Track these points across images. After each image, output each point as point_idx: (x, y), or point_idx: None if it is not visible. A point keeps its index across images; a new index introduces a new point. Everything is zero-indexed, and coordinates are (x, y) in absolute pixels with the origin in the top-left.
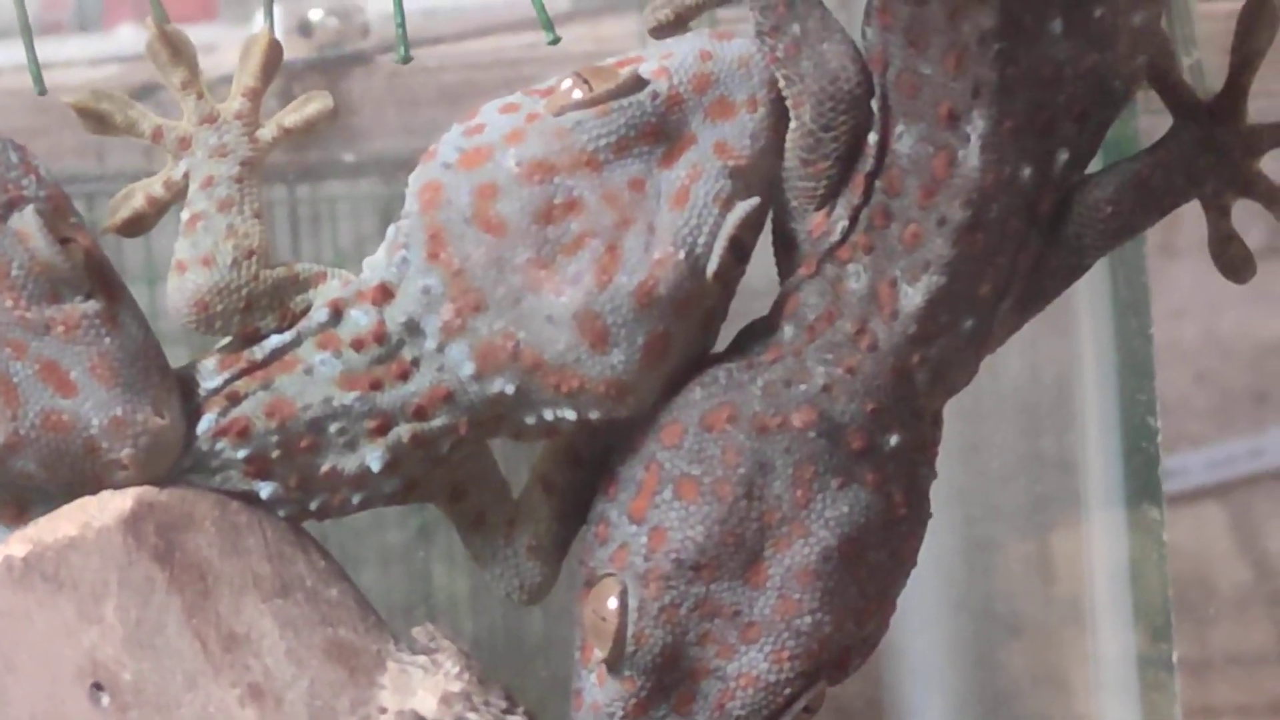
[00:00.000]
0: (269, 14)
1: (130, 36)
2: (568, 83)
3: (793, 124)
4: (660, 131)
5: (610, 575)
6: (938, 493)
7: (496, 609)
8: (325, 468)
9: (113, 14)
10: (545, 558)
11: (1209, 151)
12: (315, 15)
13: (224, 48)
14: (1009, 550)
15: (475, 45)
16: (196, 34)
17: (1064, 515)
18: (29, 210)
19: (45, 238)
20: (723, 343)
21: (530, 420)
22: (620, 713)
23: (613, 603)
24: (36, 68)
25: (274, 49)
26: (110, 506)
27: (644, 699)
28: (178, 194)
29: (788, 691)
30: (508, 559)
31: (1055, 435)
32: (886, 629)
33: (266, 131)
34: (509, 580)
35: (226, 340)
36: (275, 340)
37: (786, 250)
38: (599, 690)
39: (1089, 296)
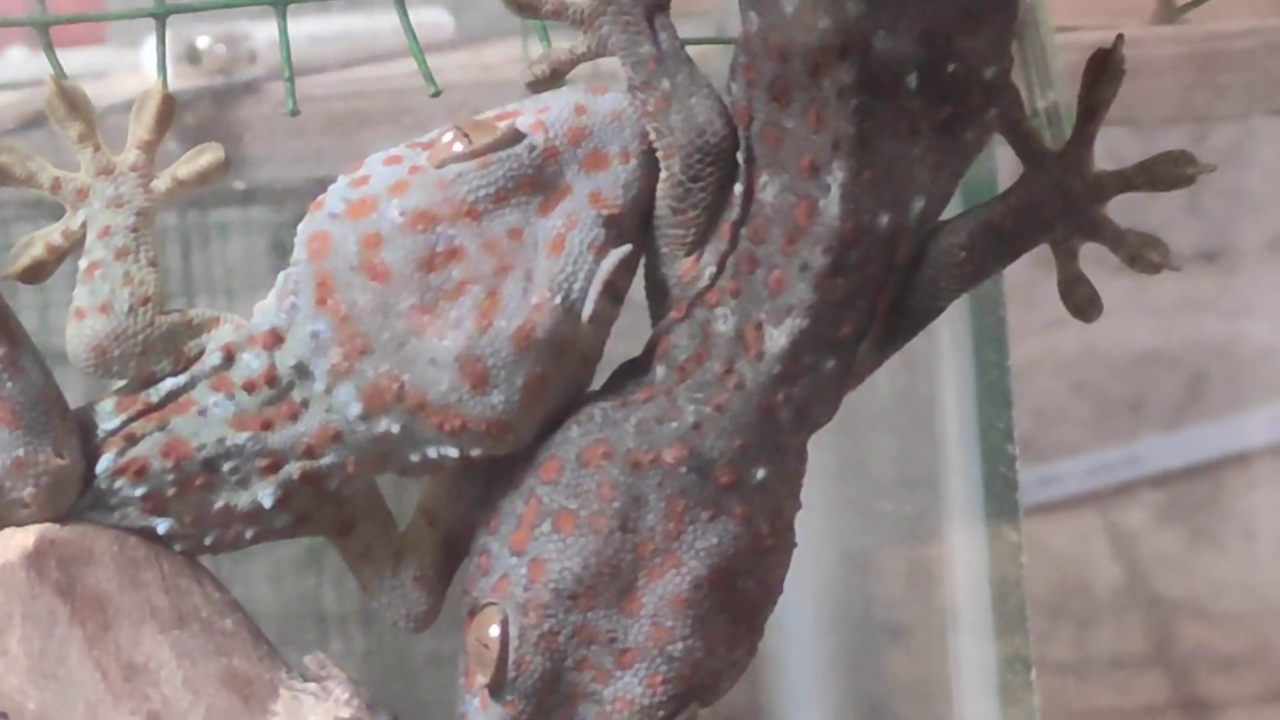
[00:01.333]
0: (161, 40)
1: (21, 61)
2: (448, 136)
3: (663, 174)
4: (537, 182)
5: (492, 604)
6: (819, 509)
7: (386, 628)
8: (219, 504)
9: (2, 38)
10: (430, 587)
11: (1058, 198)
12: (203, 43)
13: (113, 73)
14: (883, 562)
15: (361, 73)
16: (85, 58)
17: (932, 530)
18: None
19: None
20: (598, 381)
21: (415, 458)
22: None
23: (494, 630)
24: None
25: (167, 103)
26: (13, 543)
27: None
28: (75, 243)
29: (661, 714)
30: (395, 589)
31: (923, 458)
32: (755, 653)
33: (161, 182)
34: (396, 609)
35: (122, 383)
36: (170, 383)
37: (658, 294)
38: (482, 713)
39: (950, 331)
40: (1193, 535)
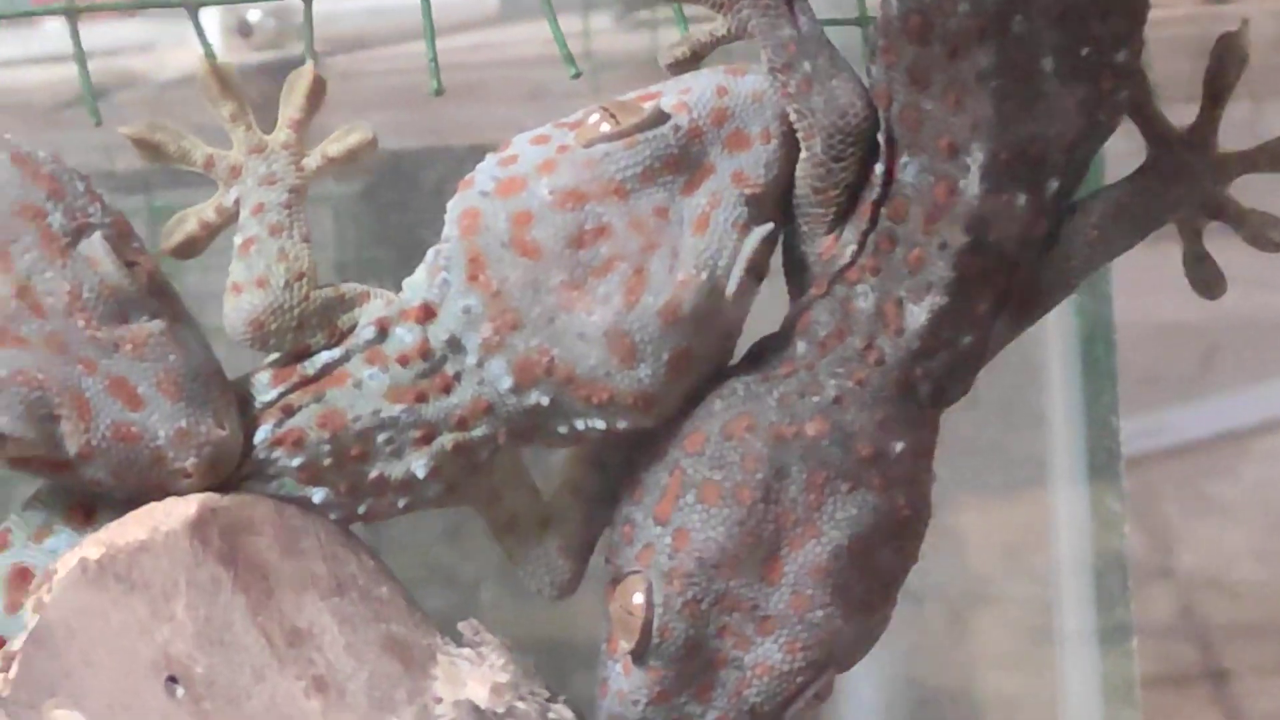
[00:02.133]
0: (198, 25)
1: (59, 35)
2: (595, 116)
3: (803, 154)
4: (682, 162)
5: (636, 573)
6: None
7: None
8: (373, 474)
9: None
10: (573, 556)
11: (1184, 178)
12: (254, 16)
13: (160, 46)
14: (984, 533)
15: (420, 47)
16: (129, 31)
17: (1035, 500)
18: (97, 236)
19: (113, 262)
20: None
21: (563, 429)
22: (645, 700)
23: (638, 598)
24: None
25: (317, 83)
26: (176, 512)
27: (667, 687)
28: (228, 219)
29: (800, 680)
30: (539, 558)
31: (1029, 430)
32: (888, 621)
33: (311, 160)
34: (540, 577)
35: (276, 356)
36: (326, 356)
37: (797, 271)
38: (624, 679)
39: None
40: (1208, 506)
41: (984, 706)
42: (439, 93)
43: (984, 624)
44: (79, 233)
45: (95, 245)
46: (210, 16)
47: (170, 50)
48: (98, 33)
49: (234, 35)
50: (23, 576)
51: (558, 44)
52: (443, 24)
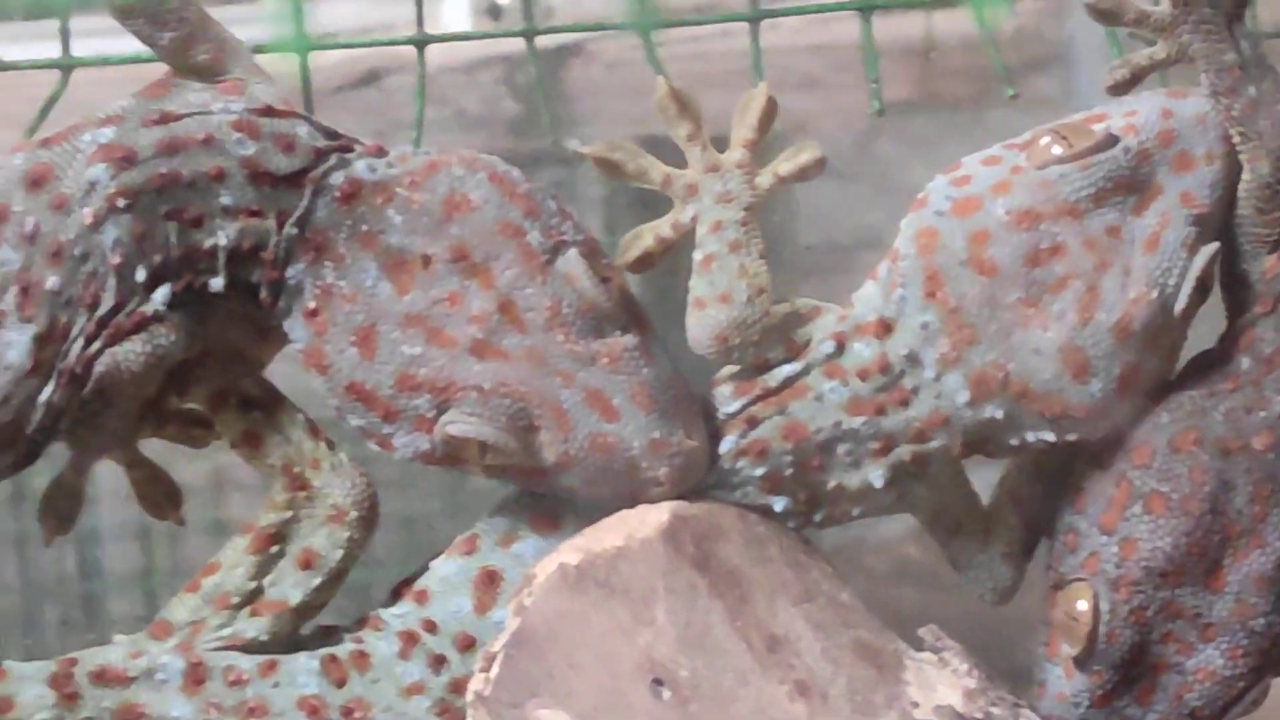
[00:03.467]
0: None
1: (353, 14)
2: (1046, 139)
3: (1246, 175)
4: (1132, 183)
5: (1080, 580)
6: None
7: None
8: (832, 484)
9: None
10: (1015, 563)
11: None
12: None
13: (396, 27)
14: None
15: (697, 33)
16: (357, 9)
17: None
18: (573, 253)
19: (590, 278)
20: None
21: (1013, 441)
22: (1086, 702)
23: (1083, 605)
24: None
25: (770, 104)
26: (649, 519)
27: (1109, 691)
28: (683, 236)
29: (1240, 685)
30: (983, 564)
31: None
32: None
33: (764, 179)
34: (984, 582)
35: (735, 369)
36: (787, 369)
37: (1238, 289)
38: (1065, 682)
39: None
40: None
41: None
42: (880, 113)
43: None
44: (555, 250)
45: (573, 262)
46: None
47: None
48: (356, 12)
49: (483, 17)
50: (491, 580)
51: (995, 64)
52: (728, 11)
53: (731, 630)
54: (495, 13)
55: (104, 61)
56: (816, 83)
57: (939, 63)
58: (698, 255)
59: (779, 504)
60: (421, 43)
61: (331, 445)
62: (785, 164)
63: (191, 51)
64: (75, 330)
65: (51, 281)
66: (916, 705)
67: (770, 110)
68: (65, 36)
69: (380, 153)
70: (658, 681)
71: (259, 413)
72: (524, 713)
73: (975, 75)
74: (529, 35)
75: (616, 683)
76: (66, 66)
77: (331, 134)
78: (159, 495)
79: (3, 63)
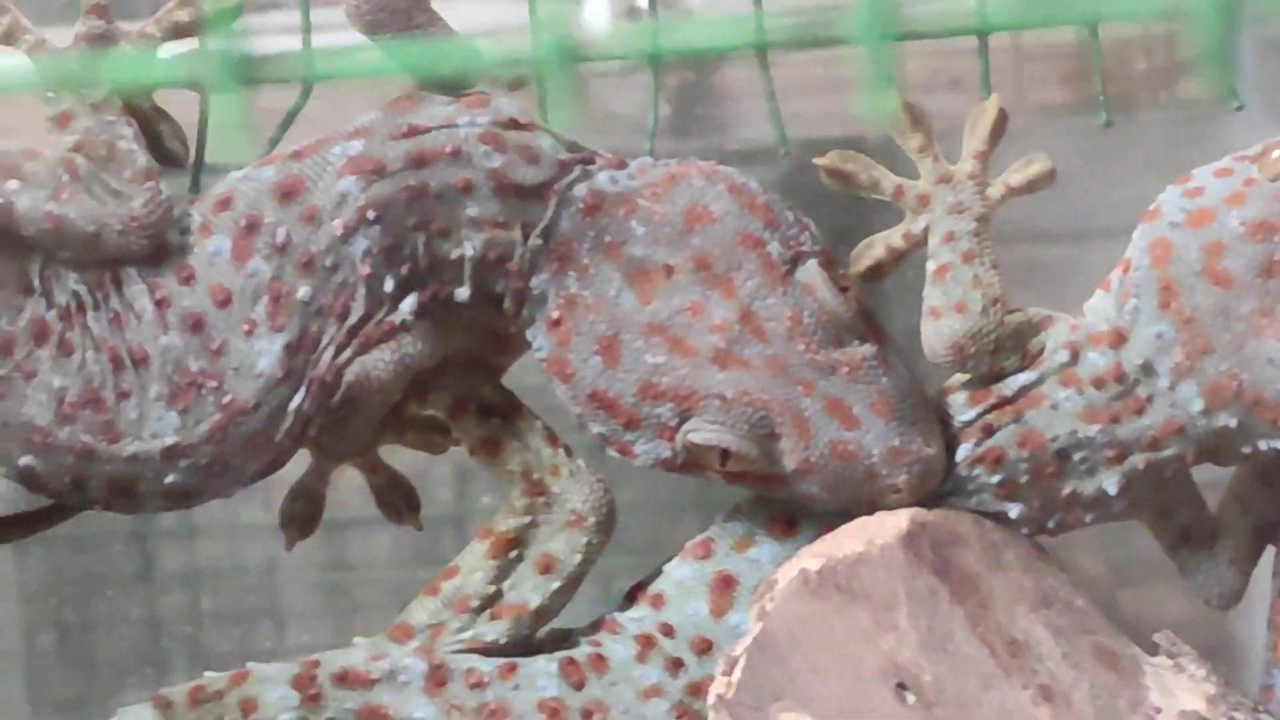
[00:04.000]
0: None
1: (477, 11)
2: (1278, 152)
3: None
4: None
5: None
6: None
7: None
8: (1066, 491)
9: None
10: (1242, 569)
11: None
12: (643, 1)
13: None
14: None
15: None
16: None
17: None
18: (812, 263)
19: (830, 288)
20: None
21: (1245, 449)
22: None
23: None
24: None
25: (1001, 116)
26: (888, 525)
27: None
28: (914, 245)
29: None
30: (1210, 570)
31: None
32: None
33: (995, 190)
34: (1210, 588)
35: (965, 377)
36: (1022, 378)
37: None
38: None
39: None
40: None
41: None
42: (1108, 124)
43: None
44: (794, 260)
45: (812, 272)
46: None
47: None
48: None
49: (621, 20)
50: (727, 584)
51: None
52: None
53: (973, 635)
54: (636, 16)
55: (346, 75)
56: (960, 84)
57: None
58: (931, 265)
59: (1014, 510)
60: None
61: (569, 451)
62: (1015, 175)
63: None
64: (325, 339)
65: (302, 291)
66: (1159, 710)
67: (1001, 122)
68: (308, 48)
69: (621, 165)
70: (901, 686)
71: (498, 419)
72: (766, 716)
73: (1124, 79)
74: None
75: (860, 686)
76: (308, 80)
77: (573, 146)
78: (398, 500)
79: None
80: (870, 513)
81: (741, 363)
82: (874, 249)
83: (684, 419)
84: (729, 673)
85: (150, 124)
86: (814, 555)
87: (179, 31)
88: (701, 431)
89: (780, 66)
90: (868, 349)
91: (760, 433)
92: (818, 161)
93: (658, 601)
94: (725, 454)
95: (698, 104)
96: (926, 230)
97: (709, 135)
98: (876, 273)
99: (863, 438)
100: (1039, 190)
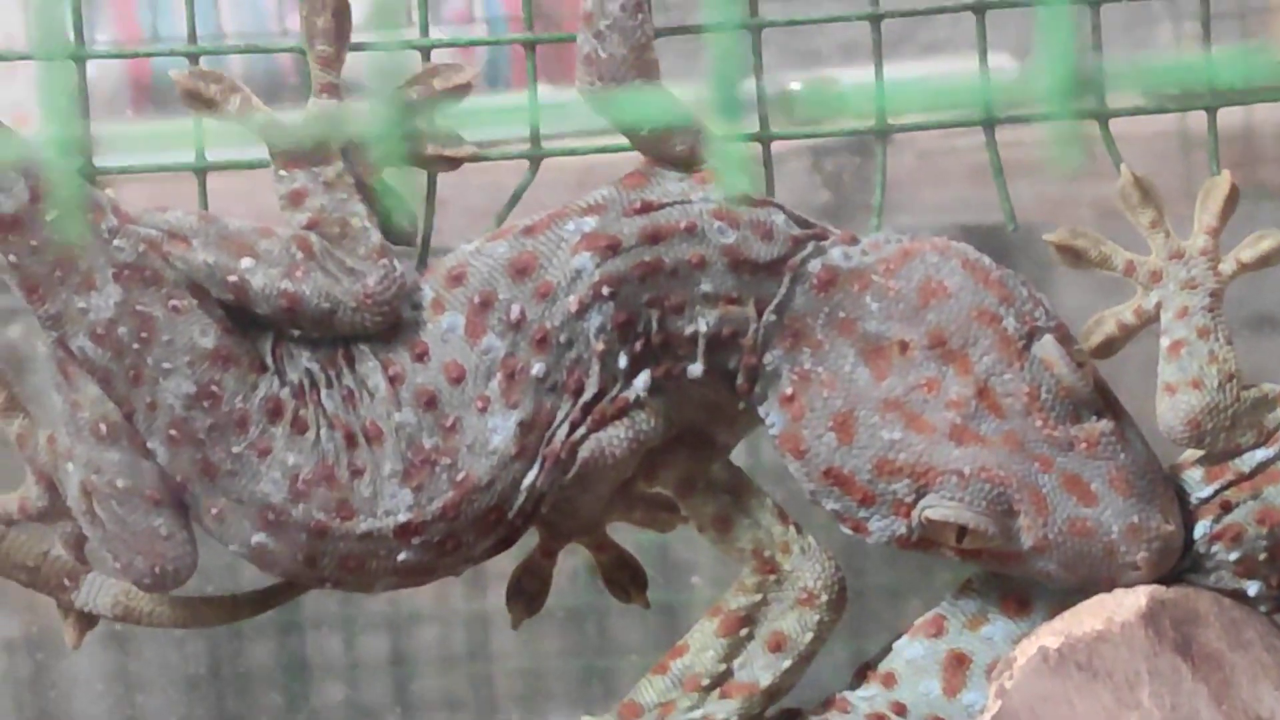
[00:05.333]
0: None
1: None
2: None
3: None
4: None
5: None
6: None
7: None
8: None
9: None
10: None
11: None
12: (795, 86)
13: None
14: None
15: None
16: None
17: None
18: (1048, 338)
19: (1067, 363)
20: None
21: None
22: None
23: None
24: None
25: (1233, 192)
26: (1127, 603)
27: None
28: (1146, 322)
29: None
30: None
31: None
32: None
33: (1226, 265)
34: None
35: (1198, 454)
36: (1259, 454)
37: None
38: None
39: None
40: None
41: None
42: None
43: None
44: (1030, 335)
45: (1050, 347)
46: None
47: None
48: None
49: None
50: (959, 663)
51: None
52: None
53: (1218, 714)
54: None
55: (570, 153)
56: None
57: (1258, 149)
58: (1164, 341)
59: (1252, 588)
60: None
61: (799, 529)
62: (1247, 251)
63: (670, 141)
64: (559, 416)
65: (537, 368)
66: None
67: (1233, 197)
68: (535, 133)
69: (853, 240)
70: None
71: (728, 497)
72: None
73: None
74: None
75: None
76: (535, 157)
77: (804, 222)
78: (624, 579)
79: (476, 155)
80: (1108, 590)
81: (979, 439)
82: (1104, 325)
83: (920, 495)
84: None
85: (379, 201)
86: (1053, 633)
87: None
88: (939, 508)
89: (944, 154)
90: (1105, 424)
91: (998, 509)
92: (1047, 238)
93: (889, 680)
94: (962, 531)
95: (856, 191)
96: (1158, 306)
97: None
98: (1107, 349)
99: (1101, 514)
100: (1273, 265)
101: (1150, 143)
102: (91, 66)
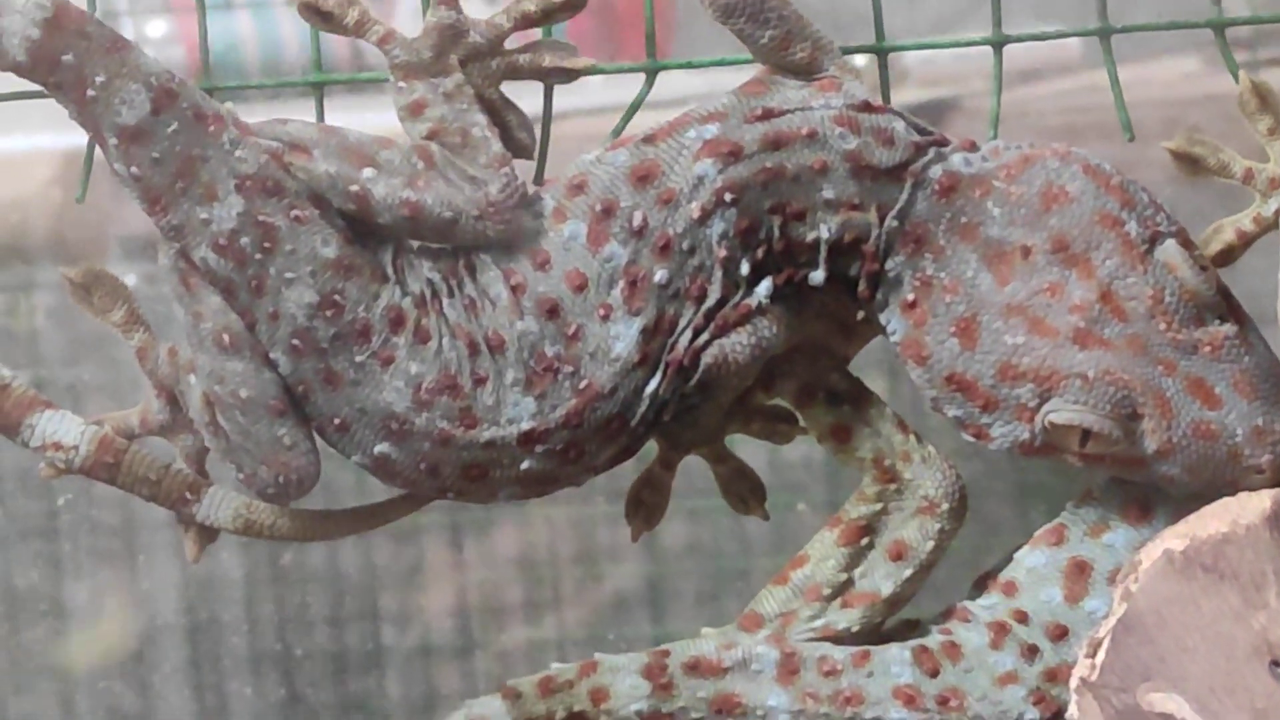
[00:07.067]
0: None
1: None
2: None
3: None
4: None
5: None
6: None
7: None
8: None
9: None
10: None
11: None
12: (860, 60)
13: None
14: None
15: (1068, 85)
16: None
17: None
18: (1171, 243)
19: (1191, 266)
20: None
21: None
22: None
23: None
24: None
25: None
26: (1251, 505)
27: None
28: (1266, 229)
29: None
30: None
31: None
32: None
33: None
34: None
35: None
36: None
37: None
38: None
39: None
40: None
41: None
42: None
43: None
44: (1152, 240)
45: (1173, 251)
46: None
47: None
48: None
49: None
50: (1081, 570)
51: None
52: (1028, 70)
53: None
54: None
55: (689, 65)
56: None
57: None
58: None
59: None
60: (999, 43)
61: (919, 438)
62: None
63: (790, 50)
64: (682, 323)
65: (659, 275)
66: None
67: None
68: (650, 42)
69: (973, 147)
70: (1275, 663)
71: (848, 406)
72: (1134, 697)
73: None
74: None
75: (1232, 665)
76: (652, 70)
77: (924, 130)
78: (744, 491)
79: (593, 67)
80: (1232, 493)
81: (1102, 342)
82: (1223, 233)
83: (1044, 400)
84: (1093, 655)
85: (498, 113)
86: (1177, 536)
87: (527, 21)
88: (1063, 412)
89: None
90: (1230, 328)
91: (1122, 413)
92: (1166, 145)
93: (1010, 589)
94: (1086, 435)
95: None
96: (1278, 213)
97: None
98: (1226, 257)
99: (1226, 417)
100: None
101: None
102: None
